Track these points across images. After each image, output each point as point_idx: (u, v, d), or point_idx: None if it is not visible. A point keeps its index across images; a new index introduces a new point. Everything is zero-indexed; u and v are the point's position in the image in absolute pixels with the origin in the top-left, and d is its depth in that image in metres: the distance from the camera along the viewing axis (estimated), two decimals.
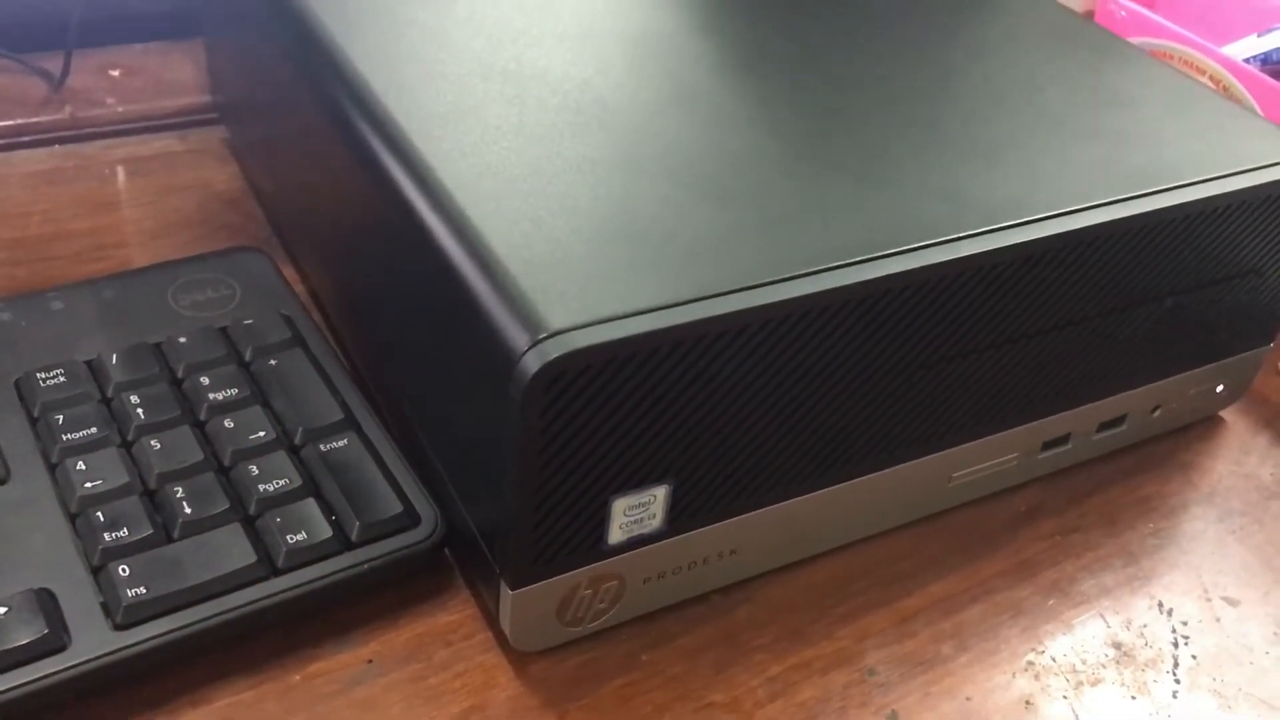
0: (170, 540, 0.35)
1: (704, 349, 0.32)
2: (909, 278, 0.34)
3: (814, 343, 0.34)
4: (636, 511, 0.34)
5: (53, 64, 0.60)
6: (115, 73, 0.62)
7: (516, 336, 0.30)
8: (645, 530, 0.35)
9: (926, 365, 0.37)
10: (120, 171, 0.56)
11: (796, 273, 0.33)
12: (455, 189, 0.34)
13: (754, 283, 0.32)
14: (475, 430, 0.34)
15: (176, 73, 0.62)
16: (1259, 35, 0.58)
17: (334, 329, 0.46)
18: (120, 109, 0.59)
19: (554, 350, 0.30)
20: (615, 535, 0.34)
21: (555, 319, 0.30)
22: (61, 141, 0.57)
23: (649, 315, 0.31)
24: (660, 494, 0.34)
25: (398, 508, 0.37)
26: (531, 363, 0.30)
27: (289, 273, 0.49)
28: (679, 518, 0.35)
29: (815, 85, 0.41)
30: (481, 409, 0.33)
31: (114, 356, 0.40)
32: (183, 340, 0.41)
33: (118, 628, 0.33)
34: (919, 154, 0.38)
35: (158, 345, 0.41)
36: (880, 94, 0.41)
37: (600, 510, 0.33)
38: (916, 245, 0.35)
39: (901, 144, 0.39)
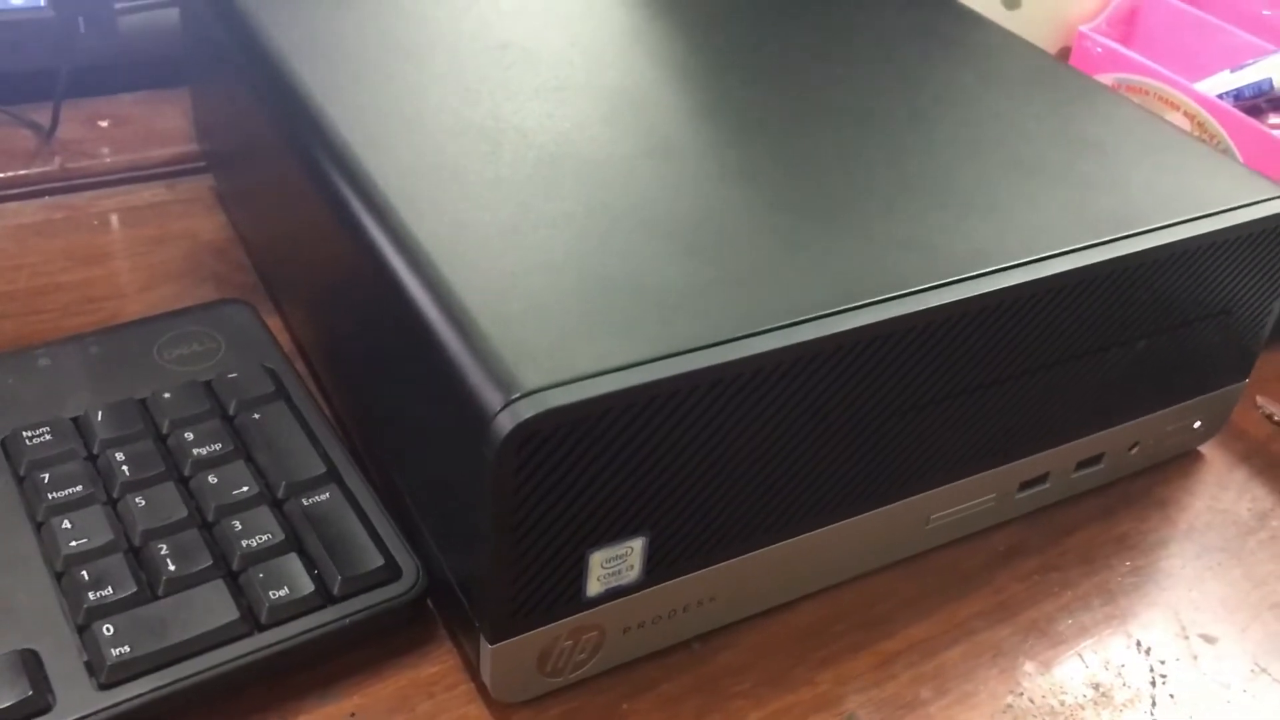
0: (155, 598, 0.36)
1: (677, 404, 0.32)
2: (879, 329, 0.35)
3: (786, 395, 0.34)
4: (614, 564, 0.35)
5: (42, 116, 0.60)
6: (104, 123, 0.62)
7: (490, 396, 0.31)
8: (623, 581, 0.35)
9: (900, 413, 0.37)
10: (109, 222, 0.57)
11: (768, 326, 0.33)
12: (429, 245, 0.35)
13: (726, 337, 0.33)
14: (452, 486, 0.34)
15: (165, 122, 0.63)
16: (1232, 71, 0.59)
17: (318, 379, 0.47)
18: (109, 159, 0.59)
19: (527, 410, 0.30)
20: (593, 587, 0.35)
21: (529, 378, 0.31)
22: (51, 193, 0.58)
23: (622, 373, 0.32)
24: (637, 545, 0.35)
25: (379, 561, 0.37)
26: (505, 423, 0.30)
27: (274, 323, 0.49)
28: (656, 568, 0.36)
29: (789, 135, 0.42)
30: (457, 466, 0.33)
31: (99, 413, 0.41)
32: (167, 395, 0.42)
33: (102, 687, 0.33)
34: (890, 203, 0.39)
35: (143, 401, 0.42)
36: (853, 143, 0.42)
37: (578, 563, 0.34)
38: (886, 296, 0.35)
39: (873, 193, 0.39)
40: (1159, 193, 0.41)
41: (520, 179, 0.38)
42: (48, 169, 0.58)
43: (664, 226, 0.37)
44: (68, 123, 0.61)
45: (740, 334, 0.33)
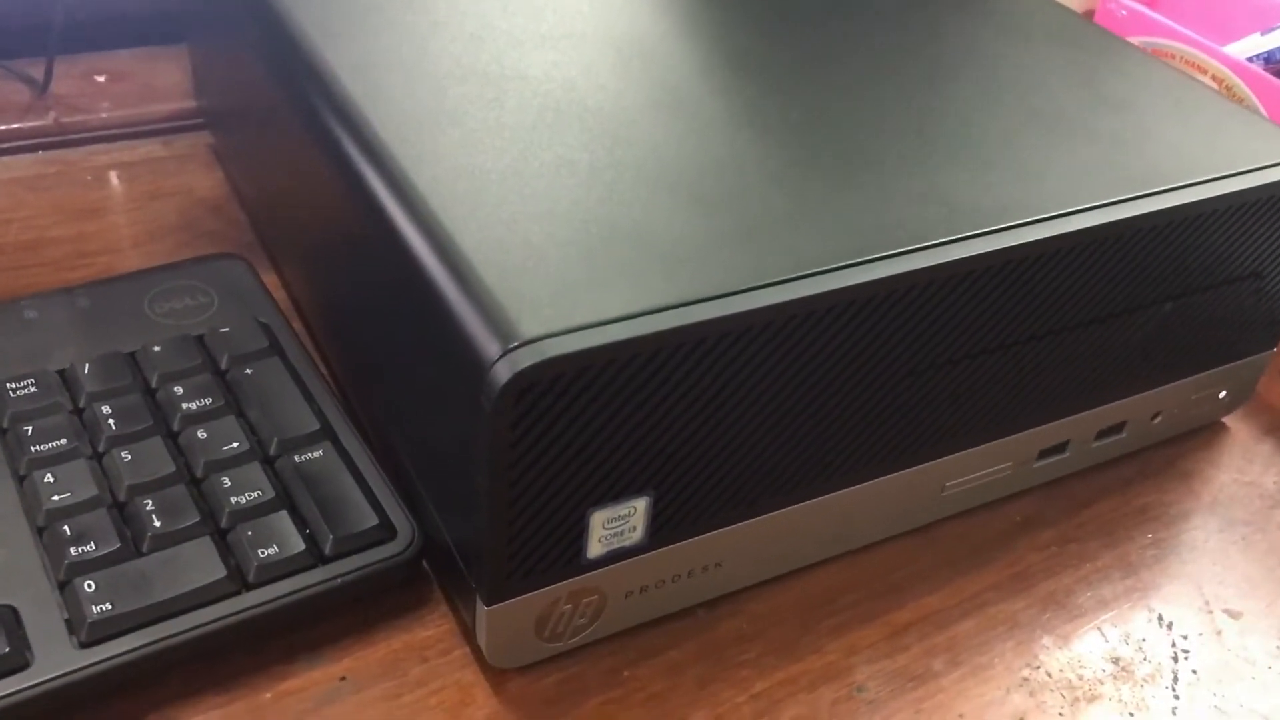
0: (139, 554, 0.34)
1: (683, 357, 0.31)
2: (893, 283, 0.33)
3: (796, 350, 0.33)
4: (616, 524, 0.33)
5: (38, 69, 0.59)
6: (101, 78, 0.61)
7: (488, 345, 0.29)
8: (625, 543, 0.34)
9: (914, 373, 0.36)
10: (103, 178, 0.55)
11: (776, 279, 0.32)
12: (429, 193, 0.33)
13: (733, 289, 0.31)
14: (449, 441, 0.33)
15: (163, 78, 0.61)
16: (1262, 34, 0.57)
17: (314, 337, 0.45)
18: (105, 115, 0.58)
19: (526, 359, 0.29)
20: (594, 549, 0.33)
21: (528, 327, 0.29)
22: (45, 148, 0.57)
23: (625, 323, 0.30)
24: (640, 506, 0.33)
25: (373, 520, 0.36)
26: (502, 372, 0.29)
27: (270, 280, 0.48)
28: (660, 530, 0.34)
29: (803, 88, 0.40)
30: (454, 419, 0.32)
31: (86, 366, 0.39)
32: (157, 349, 0.40)
33: (82, 645, 0.32)
34: (907, 157, 0.37)
35: (131, 354, 0.40)
36: (870, 97, 0.40)
37: (578, 523, 0.32)
38: (901, 250, 0.34)
39: (890, 147, 0.38)
40: (1187, 151, 0.40)
41: (523, 126, 0.37)
42: (42, 123, 0.57)
43: (671, 177, 0.35)
44: (65, 78, 0.60)
45: (747, 286, 0.32)
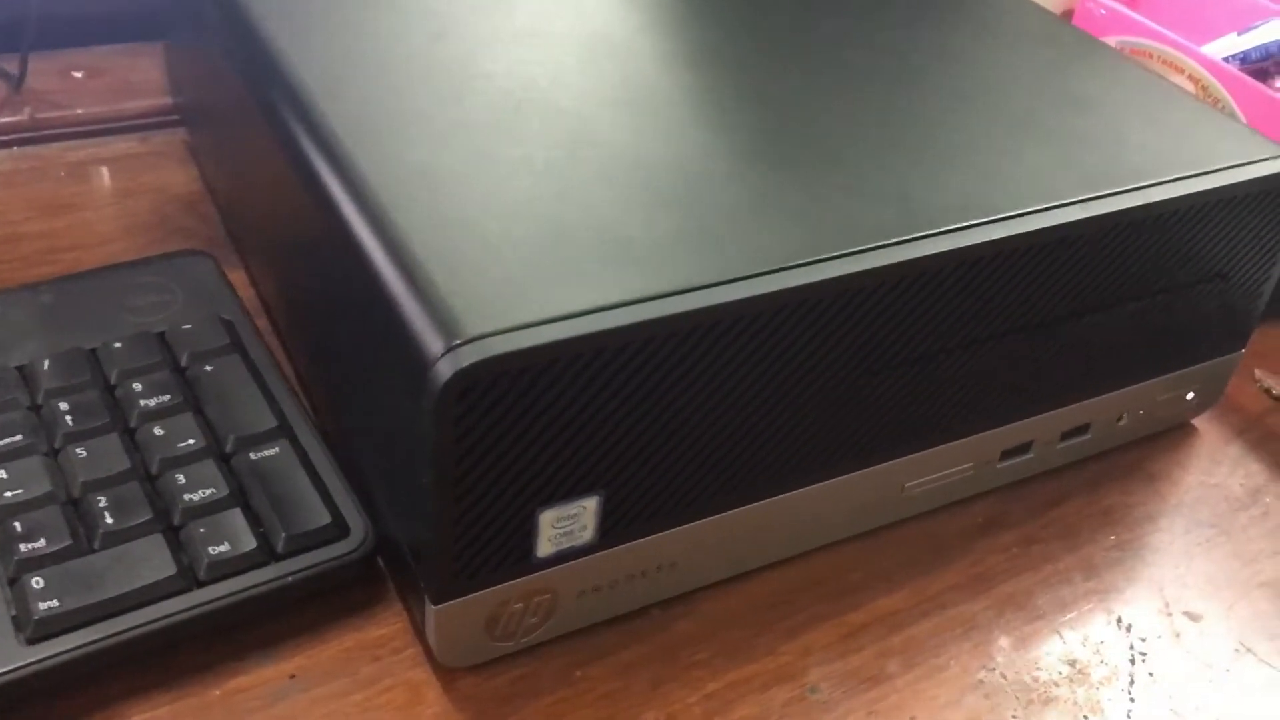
0: (90, 551, 0.34)
1: (631, 356, 0.31)
2: (848, 283, 0.33)
3: (750, 349, 0.33)
4: (566, 524, 0.33)
5: (14, 65, 0.59)
6: (78, 74, 0.61)
7: (431, 342, 0.29)
8: (576, 543, 0.34)
9: (871, 373, 0.36)
10: (78, 174, 0.55)
11: (729, 277, 0.32)
12: (381, 189, 0.33)
13: (683, 287, 0.31)
14: (396, 439, 0.33)
15: (141, 74, 0.61)
16: (1239, 34, 0.57)
17: (280, 335, 0.45)
18: (81, 111, 0.58)
19: (470, 356, 0.29)
20: (544, 548, 0.33)
21: (473, 324, 0.29)
22: (20, 143, 0.57)
23: (572, 320, 0.30)
24: (590, 505, 0.33)
25: (326, 519, 0.36)
26: (445, 369, 0.29)
27: (238, 277, 0.48)
28: (611, 530, 0.34)
29: (771, 87, 0.40)
30: (400, 417, 0.32)
31: (46, 362, 0.39)
32: (117, 346, 0.40)
33: (29, 641, 0.32)
34: (869, 156, 0.37)
35: (92, 351, 0.40)
36: (837, 96, 0.40)
37: (527, 522, 0.32)
38: (857, 249, 0.33)
39: (853, 146, 0.38)
40: (1153, 150, 0.40)
41: (482, 124, 0.36)
42: (17, 119, 0.57)
43: (631, 175, 0.35)
44: (42, 74, 0.60)
45: (697, 284, 0.31)
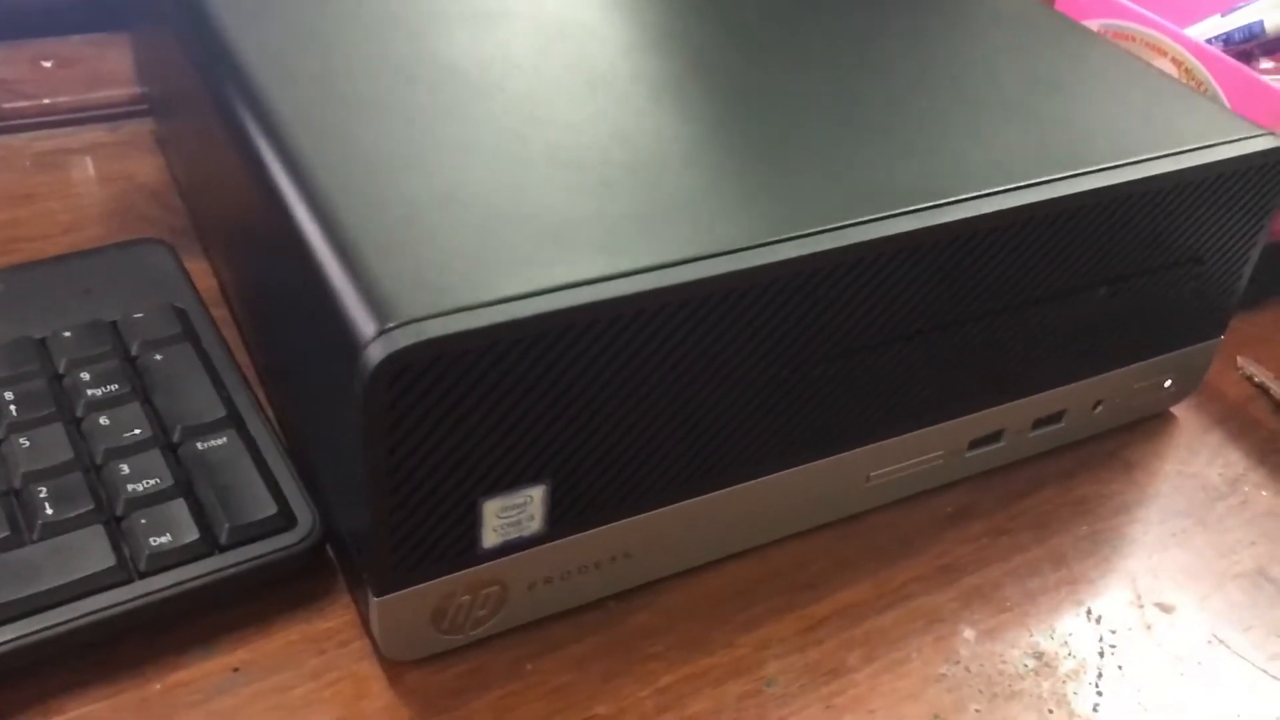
0: (30, 542, 0.34)
1: (573, 340, 0.30)
2: (802, 265, 0.32)
3: (697, 334, 0.32)
4: (511, 513, 0.32)
5: None
6: (48, 64, 0.60)
7: (364, 325, 0.28)
8: (524, 533, 0.33)
9: (830, 358, 0.35)
10: (44, 163, 0.54)
11: (674, 259, 0.31)
12: (322, 173, 0.33)
13: (629, 270, 0.30)
14: (336, 427, 0.32)
15: (111, 64, 0.61)
16: (1222, 15, 0.55)
17: (239, 325, 0.45)
18: (48, 100, 0.57)
19: (402, 340, 0.28)
20: (490, 539, 0.32)
21: (407, 307, 0.28)
22: None
23: (511, 304, 0.29)
24: (536, 495, 0.32)
25: (271, 509, 0.35)
26: (376, 353, 0.28)
27: (201, 267, 0.47)
28: (561, 520, 0.33)
29: (731, 70, 0.39)
30: (338, 404, 0.31)
31: None
32: (67, 334, 0.39)
33: None
34: (828, 138, 0.36)
35: (42, 340, 0.40)
36: (799, 79, 0.39)
37: (469, 512, 0.32)
38: (811, 231, 0.32)
39: (812, 128, 0.37)
40: (1124, 131, 0.38)
41: (432, 107, 0.36)
42: None
43: (582, 158, 0.34)
44: (11, 63, 0.59)
45: (646, 267, 0.31)
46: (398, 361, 0.28)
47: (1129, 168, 0.37)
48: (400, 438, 0.29)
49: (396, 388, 0.28)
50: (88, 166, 0.54)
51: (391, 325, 0.28)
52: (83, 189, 0.53)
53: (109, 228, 0.50)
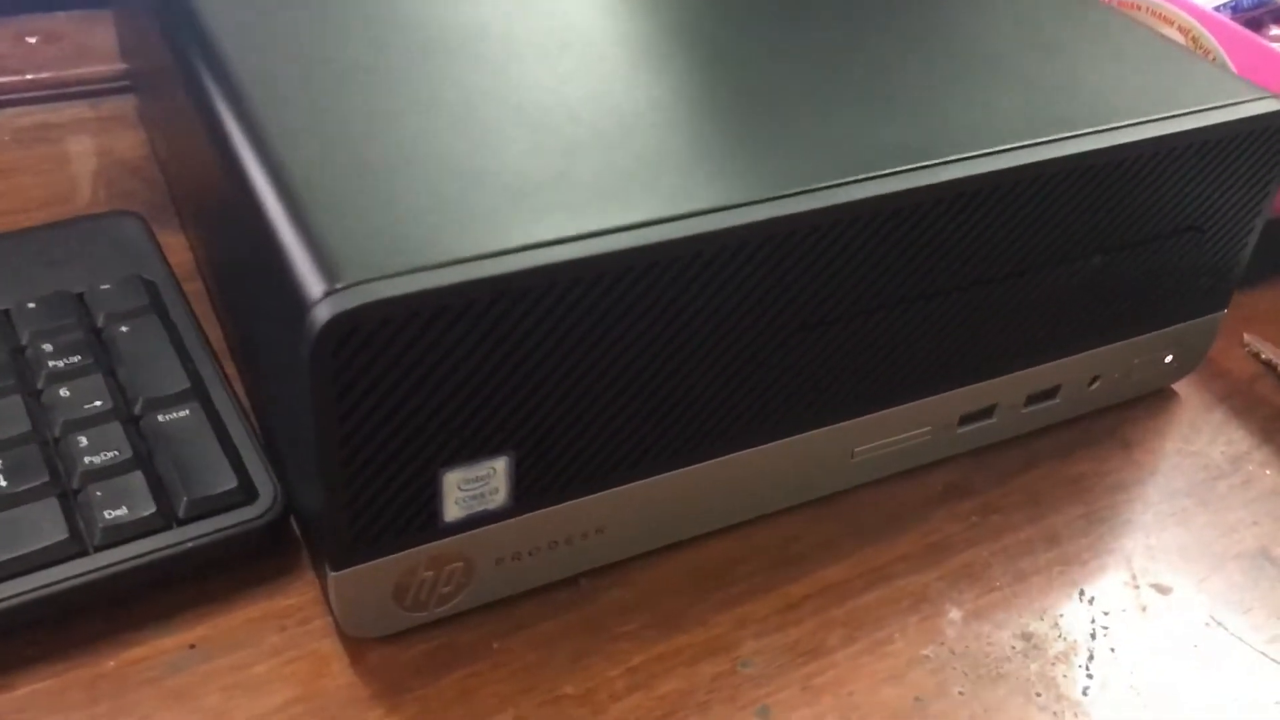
0: None
1: (533, 303, 0.29)
2: (780, 226, 0.31)
3: (665, 300, 0.30)
4: (474, 485, 0.31)
5: None
6: (33, 39, 0.59)
7: (312, 286, 0.27)
8: (488, 506, 0.32)
9: (812, 326, 0.33)
10: (24, 138, 0.54)
11: (640, 220, 0.30)
12: (280, 136, 0.31)
13: (593, 231, 0.29)
14: (290, 395, 0.31)
15: (96, 40, 0.60)
16: None
17: (213, 298, 0.44)
18: (31, 75, 0.57)
19: (351, 301, 0.27)
20: (452, 512, 0.31)
21: (357, 268, 0.27)
22: None
23: (467, 264, 0.28)
24: (500, 466, 0.31)
25: (231, 483, 0.34)
26: (323, 313, 0.27)
27: (176, 241, 0.46)
28: (527, 493, 0.32)
29: (715, 31, 0.38)
30: (290, 370, 0.30)
31: None
32: (31, 306, 0.39)
33: None
34: (811, 100, 0.35)
35: (5, 312, 0.39)
36: (784, 40, 0.38)
37: (430, 484, 0.30)
38: (790, 191, 0.31)
39: (796, 90, 0.35)
40: (1121, 94, 0.37)
41: (399, 68, 0.34)
42: None
43: (552, 120, 0.33)
44: None
45: (608, 228, 0.29)
46: (345, 323, 0.27)
47: (1124, 130, 0.35)
48: (352, 404, 0.28)
49: (345, 351, 0.27)
50: (69, 142, 0.54)
51: (340, 285, 0.27)
52: (63, 164, 0.52)
53: (87, 202, 0.50)
